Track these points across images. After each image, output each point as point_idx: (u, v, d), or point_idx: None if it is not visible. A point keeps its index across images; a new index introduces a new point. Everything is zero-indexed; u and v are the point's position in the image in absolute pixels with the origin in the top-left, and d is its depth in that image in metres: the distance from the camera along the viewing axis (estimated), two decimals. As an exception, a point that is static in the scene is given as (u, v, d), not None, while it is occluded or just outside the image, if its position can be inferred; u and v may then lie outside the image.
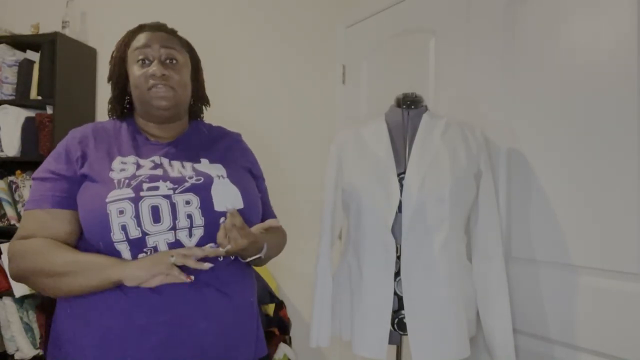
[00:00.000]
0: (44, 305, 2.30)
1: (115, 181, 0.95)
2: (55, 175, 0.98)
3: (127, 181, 0.94)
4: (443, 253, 1.24)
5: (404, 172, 1.30)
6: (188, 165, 1.04)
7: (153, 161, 1.02)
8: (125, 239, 0.91)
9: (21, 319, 2.29)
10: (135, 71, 1.04)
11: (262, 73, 2.42)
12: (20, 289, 2.25)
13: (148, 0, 2.49)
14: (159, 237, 0.93)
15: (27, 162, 2.37)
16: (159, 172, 0.99)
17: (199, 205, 0.96)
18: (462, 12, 1.59)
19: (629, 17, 1.14)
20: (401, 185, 1.27)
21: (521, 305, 1.36)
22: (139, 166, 0.99)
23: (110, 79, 1.11)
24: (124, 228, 0.91)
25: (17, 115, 2.30)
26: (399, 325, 1.27)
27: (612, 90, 1.17)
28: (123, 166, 0.98)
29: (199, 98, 1.18)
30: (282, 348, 2.13)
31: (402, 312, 1.26)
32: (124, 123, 1.10)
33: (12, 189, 2.33)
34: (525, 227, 1.37)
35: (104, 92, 2.59)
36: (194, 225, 0.95)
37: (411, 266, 1.25)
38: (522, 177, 1.37)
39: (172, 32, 1.11)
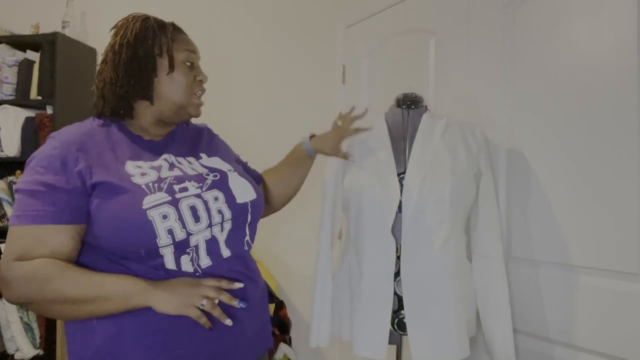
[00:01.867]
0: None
1: (144, 186, 0.91)
2: (50, 187, 0.89)
3: (156, 185, 0.92)
4: (443, 253, 1.24)
5: (404, 172, 1.30)
6: (193, 160, 1.08)
7: (166, 160, 1.02)
8: (172, 242, 0.91)
9: (21, 319, 2.29)
10: (182, 73, 1.03)
11: (261, 73, 2.42)
12: (20, 289, 2.25)
13: (148, 0, 2.49)
14: (199, 235, 0.95)
15: (27, 162, 2.37)
16: (177, 172, 0.99)
17: (224, 200, 1.00)
18: (462, 12, 1.59)
19: (629, 17, 1.14)
20: (401, 185, 1.27)
21: (521, 305, 1.36)
22: (156, 168, 0.97)
23: (139, 62, 1.00)
24: (170, 232, 0.90)
25: (17, 115, 2.30)
26: (399, 325, 1.27)
27: (611, 90, 1.17)
28: (140, 170, 0.95)
29: None
30: (282, 348, 2.13)
31: (402, 312, 1.26)
32: (111, 125, 1.03)
33: (12, 189, 2.33)
34: (525, 227, 1.37)
35: (104, 92, 2.59)
36: (224, 220, 0.99)
37: (411, 266, 1.25)
38: (522, 177, 1.37)
39: None
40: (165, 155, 1.03)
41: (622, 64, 1.15)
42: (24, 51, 2.43)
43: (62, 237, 0.89)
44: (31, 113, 2.34)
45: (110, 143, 0.99)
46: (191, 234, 0.93)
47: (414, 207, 1.24)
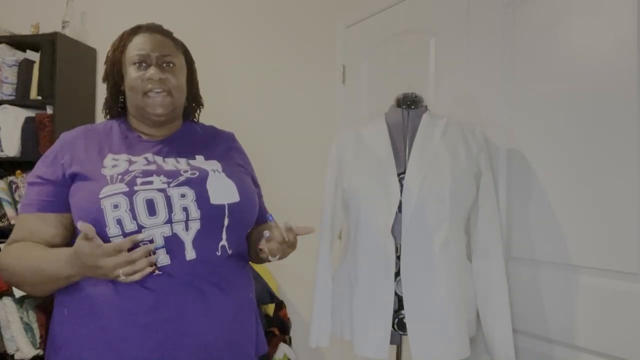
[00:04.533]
0: (44, 305, 2.30)
1: (108, 177, 0.95)
2: (42, 179, 0.99)
3: (120, 176, 0.95)
4: (443, 253, 1.24)
5: (404, 172, 1.30)
6: (182, 160, 1.05)
7: (146, 158, 1.02)
8: (121, 233, 0.91)
9: (21, 319, 2.29)
10: (131, 73, 1.04)
11: (262, 73, 2.42)
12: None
13: (148, 1, 2.49)
14: (155, 230, 0.92)
15: (27, 162, 2.37)
16: (152, 167, 0.99)
17: (194, 199, 0.96)
18: (462, 13, 1.59)
19: (629, 17, 1.14)
20: (401, 185, 1.27)
21: (521, 305, 1.36)
22: (131, 162, 0.99)
23: (105, 79, 1.11)
24: (119, 222, 0.90)
25: (17, 115, 2.30)
26: (399, 325, 1.27)
27: (611, 90, 1.17)
28: (115, 162, 0.99)
29: (193, 99, 1.18)
30: (282, 348, 2.13)
31: (402, 312, 1.26)
32: (115, 123, 1.10)
33: (12, 189, 2.33)
34: (525, 227, 1.37)
35: (104, 92, 2.58)
36: (190, 219, 0.95)
37: (411, 266, 1.25)
38: (522, 177, 1.37)
39: (168, 34, 1.11)
40: (147, 154, 1.03)
41: (622, 64, 1.15)
42: (24, 51, 2.43)
43: (44, 224, 0.97)
44: (31, 113, 2.34)
45: (104, 138, 1.05)
46: (143, 227, 0.91)
47: (414, 207, 1.24)
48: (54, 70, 2.28)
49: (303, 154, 2.34)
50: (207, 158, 1.08)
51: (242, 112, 2.40)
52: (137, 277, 0.86)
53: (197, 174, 1.01)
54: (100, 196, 0.92)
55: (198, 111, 1.22)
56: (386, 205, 1.27)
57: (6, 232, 2.36)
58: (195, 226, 0.95)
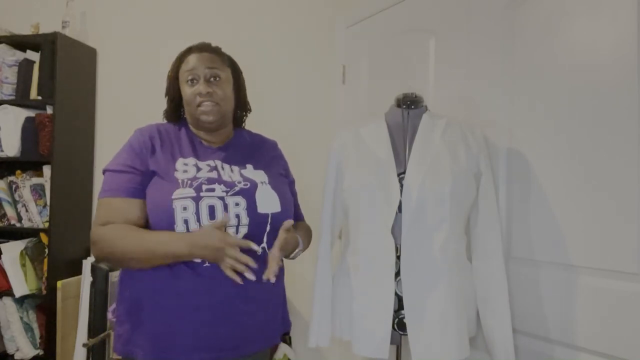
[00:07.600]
0: (44, 305, 2.30)
1: (180, 181, 1.12)
2: (133, 168, 1.14)
3: (189, 182, 1.12)
4: (443, 253, 1.24)
5: (404, 172, 1.30)
6: (236, 169, 1.22)
7: (209, 165, 1.19)
8: (185, 230, 1.08)
9: (21, 319, 2.29)
10: (186, 90, 1.22)
11: (261, 73, 2.42)
12: (20, 289, 2.25)
13: (148, 0, 2.49)
14: None
15: (27, 162, 2.37)
16: (214, 175, 1.16)
17: (245, 207, 1.13)
18: (462, 13, 1.59)
19: (629, 17, 1.14)
20: (401, 185, 1.27)
21: (521, 305, 1.36)
22: (198, 168, 1.16)
23: (167, 94, 1.29)
24: (185, 222, 1.08)
25: (17, 115, 2.30)
26: (399, 325, 1.27)
27: (612, 90, 1.17)
28: (185, 167, 1.16)
29: (241, 106, 1.35)
30: (282, 348, 2.13)
31: (402, 312, 1.26)
32: (182, 127, 1.27)
33: (12, 189, 2.33)
34: (525, 227, 1.37)
35: (104, 92, 2.59)
36: (240, 224, 1.12)
37: (411, 266, 1.25)
38: (522, 177, 1.37)
39: (216, 51, 1.27)
40: (210, 161, 1.20)
41: (622, 64, 1.15)
42: (24, 51, 2.43)
43: (132, 208, 1.12)
44: (31, 113, 2.34)
45: (175, 141, 1.22)
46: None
47: (414, 207, 1.24)
48: (54, 70, 2.28)
49: (303, 154, 2.33)
50: (255, 167, 1.25)
51: (242, 112, 2.39)
52: (229, 272, 1.04)
53: (249, 185, 1.17)
54: (172, 197, 1.09)
55: (245, 116, 1.39)
56: (386, 205, 1.27)
57: (6, 232, 2.36)
58: (243, 230, 1.13)
